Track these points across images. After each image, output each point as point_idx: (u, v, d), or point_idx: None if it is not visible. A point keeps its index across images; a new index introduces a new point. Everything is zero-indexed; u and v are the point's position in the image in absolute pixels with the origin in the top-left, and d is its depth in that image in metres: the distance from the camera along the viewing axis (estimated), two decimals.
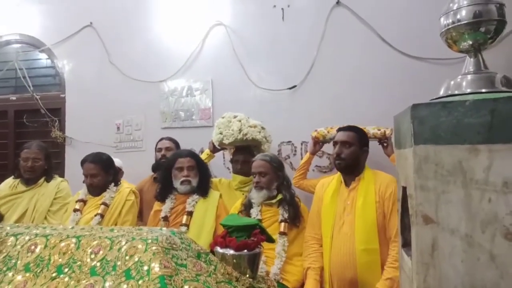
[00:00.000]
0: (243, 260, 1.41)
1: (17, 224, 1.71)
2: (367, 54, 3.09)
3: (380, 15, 3.08)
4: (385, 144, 2.63)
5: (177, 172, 2.50)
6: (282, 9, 3.26)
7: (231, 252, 1.41)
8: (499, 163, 0.96)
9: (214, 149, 2.99)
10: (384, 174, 2.25)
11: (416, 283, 1.03)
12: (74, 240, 1.38)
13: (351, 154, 2.23)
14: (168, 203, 2.48)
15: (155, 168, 3.01)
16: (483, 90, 1.15)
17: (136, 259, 1.23)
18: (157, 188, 2.59)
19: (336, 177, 2.34)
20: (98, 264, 1.28)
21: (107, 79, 3.62)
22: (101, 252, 1.31)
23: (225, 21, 3.40)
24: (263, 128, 2.86)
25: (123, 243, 1.31)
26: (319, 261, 2.23)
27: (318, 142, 2.79)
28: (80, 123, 3.67)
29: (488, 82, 1.17)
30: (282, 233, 2.29)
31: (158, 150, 3.07)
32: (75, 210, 2.63)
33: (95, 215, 2.56)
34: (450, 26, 1.22)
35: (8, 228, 1.54)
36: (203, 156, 2.89)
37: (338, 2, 3.17)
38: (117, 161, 3.01)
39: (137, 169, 3.26)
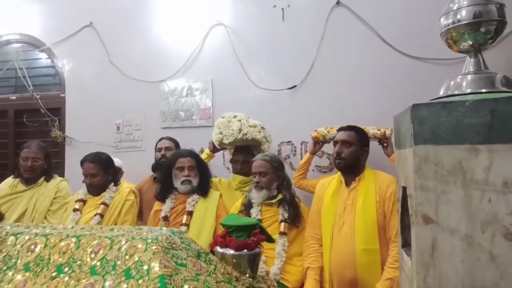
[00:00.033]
0: (243, 260, 1.41)
1: (17, 224, 1.71)
2: (367, 54, 3.09)
3: (380, 15, 3.09)
4: (385, 144, 2.63)
5: (178, 172, 2.50)
6: (282, 9, 3.26)
7: (231, 251, 1.41)
8: (499, 163, 0.96)
9: (214, 149, 2.99)
10: (384, 174, 2.25)
11: (416, 283, 1.03)
12: (74, 239, 1.38)
13: (351, 154, 2.23)
14: (168, 202, 2.48)
15: (155, 168, 3.01)
16: (483, 90, 1.15)
17: (136, 259, 1.23)
18: (157, 188, 2.58)
19: (336, 177, 2.35)
20: (98, 263, 1.28)
21: (107, 79, 3.62)
22: (101, 251, 1.31)
23: (225, 21, 3.40)
24: (263, 128, 2.86)
25: (123, 242, 1.31)
26: (319, 261, 2.23)
27: (318, 142, 2.80)
28: (80, 123, 3.67)
29: (488, 82, 1.17)
30: (282, 233, 2.30)
31: (158, 150, 3.07)
32: (74, 210, 2.62)
33: (95, 215, 2.56)
34: (450, 26, 1.22)
35: (8, 227, 1.54)
36: (203, 156, 2.88)
37: (338, 2, 3.17)
38: (117, 161, 3.01)
39: (137, 169, 3.26)
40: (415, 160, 1.04)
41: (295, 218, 2.35)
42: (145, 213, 2.84)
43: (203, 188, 2.52)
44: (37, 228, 1.52)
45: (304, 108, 3.18)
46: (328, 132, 2.72)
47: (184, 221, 2.40)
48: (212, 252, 1.44)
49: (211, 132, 3.01)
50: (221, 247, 1.44)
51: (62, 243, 1.38)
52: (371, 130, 2.59)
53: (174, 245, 1.30)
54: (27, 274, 1.33)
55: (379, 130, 2.61)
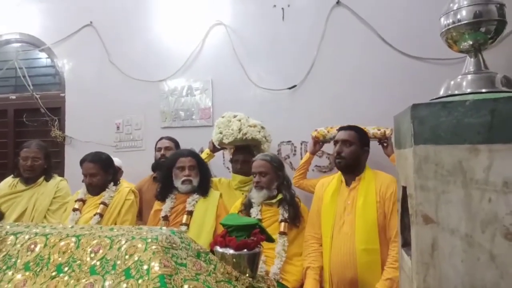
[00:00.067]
0: (242, 260, 1.41)
1: (16, 223, 1.71)
2: (367, 54, 3.09)
3: (380, 15, 3.08)
4: (385, 144, 2.63)
5: (178, 172, 2.50)
6: (282, 8, 3.26)
7: (231, 251, 1.41)
8: (499, 163, 0.96)
9: (214, 149, 2.99)
10: (384, 174, 2.25)
11: (416, 283, 1.03)
12: (73, 239, 1.38)
13: (352, 153, 2.23)
14: (168, 202, 2.48)
15: (154, 168, 3.01)
16: (483, 90, 1.15)
17: (136, 258, 1.23)
18: (157, 188, 2.58)
19: (336, 176, 2.35)
20: (98, 263, 1.28)
21: (107, 79, 3.62)
22: (101, 251, 1.31)
23: (225, 20, 3.40)
24: (262, 127, 2.86)
25: (123, 242, 1.31)
26: (319, 261, 2.23)
27: (318, 142, 2.79)
28: (80, 122, 3.67)
29: (488, 82, 1.17)
30: (282, 233, 2.30)
31: (157, 149, 3.07)
32: (74, 210, 2.62)
33: (94, 215, 2.56)
34: (450, 26, 1.22)
35: (8, 227, 1.54)
36: (203, 156, 2.88)
37: (338, 2, 3.17)
38: (117, 161, 3.01)
39: (136, 169, 3.26)
40: (415, 160, 1.04)
41: (295, 218, 2.35)
42: (144, 212, 2.84)
43: (203, 187, 2.52)
44: (37, 227, 1.52)
45: (304, 108, 3.18)
46: (328, 132, 2.72)
47: (184, 220, 2.40)
48: (212, 251, 1.44)
49: (211, 131, 3.01)
50: (221, 246, 1.44)
51: (62, 243, 1.38)
52: (371, 130, 2.59)
53: (174, 245, 1.30)
54: (27, 273, 1.33)
55: (379, 130, 2.61)
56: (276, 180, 2.41)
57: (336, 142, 2.31)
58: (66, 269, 1.30)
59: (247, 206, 2.40)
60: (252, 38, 3.34)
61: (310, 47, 3.19)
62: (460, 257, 0.99)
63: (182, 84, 3.49)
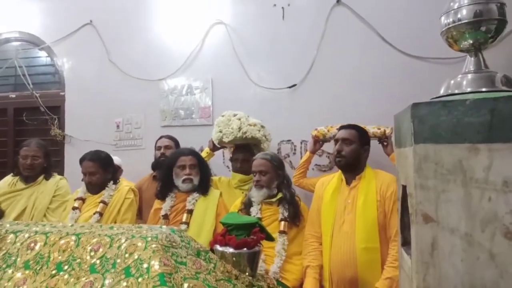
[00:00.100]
0: (242, 258, 1.41)
1: (16, 222, 1.71)
2: (367, 54, 3.08)
3: (380, 14, 3.08)
4: (385, 143, 2.63)
5: (179, 170, 2.50)
6: (282, 8, 3.26)
7: (231, 250, 1.41)
8: (499, 162, 0.96)
9: (214, 148, 2.99)
10: (385, 173, 2.25)
11: (416, 282, 1.03)
12: (73, 237, 1.38)
13: (352, 152, 2.23)
14: (169, 201, 2.48)
15: (154, 167, 3.01)
16: (483, 90, 1.15)
17: (136, 257, 1.22)
18: (157, 186, 2.59)
19: (336, 175, 2.35)
20: (98, 261, 1.28)
21: (107, 77, 3.61)
22: (100, 249, 1.31)
23: (225, 19, 3.40)
24: (262, 126, 2.86)
25: (123, 240, 1.31)
26: (319, 259, 2.23)
27: (318, 141, 2.79)
28: (80, 121, 3.66)
29: (489, 82, 1.17)
30: (282, 232, 2.30)
31: (157, 148, 3.07)
32: (74, 208, 2.62)
33: (94, 213, 2.56)
34: (450, 25, 1.22)
35: (8, 225, 1.54)
36: (203, 155, 2.88)
37: (338, 1, 3.17)
38: (116, 159, 3.01)
39: (136, 168, 3.26)
40: (415, 159, 1.04)
41: (295, 217, 2.35)
42: (144, 211, 2.84)
43: (203, 186, 2.52)
44: (36, 226, 1.52)
45: (304, 107, 3.18)
46: (328, 131, 2.72)
47: (184, 219, 2.40)
48: (212, 250, 1.44)
49: (211, 130, 3.01)
50: (221, 245, 1.44)
51: (62, 241, 1.38)
52: (371, 129, 2.59)
53: (174, 244, 1.30)
54: (27, 272, 1.33)
55: (379, 129, 2.61)
56: (276, 179, 2.41)
57: (336, 141, 2.31)
58: (66, 267, 1.30)
59: (247, 205, 2.40)
60: (252, 37, 3.34)
61: (310, 46, 3.19)
62: (460, 256, 0.99)
63: (182, 83, 3.48)
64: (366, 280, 2.07)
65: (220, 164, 3.24)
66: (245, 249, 1.41)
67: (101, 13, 3.66)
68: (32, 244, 1.40)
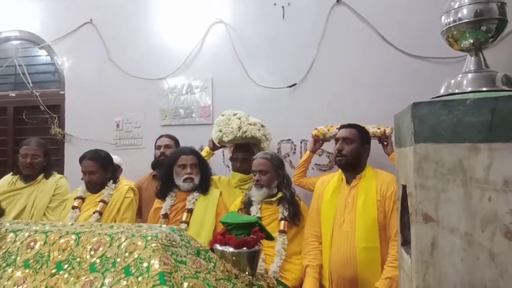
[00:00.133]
0: (242, 258, 1.41)
1: (16, 221, 1.71)
2: (367, 53, 3.08)
3: (380, 14, 3.08)
4: (385, 143, 2.63)
5: (180, 170, 2.50)
6: (283, 7, 3.26)
7: (231, 249, 1.41)
8: (499, 162, 0.96)
9: (213, 147, 2.99)
10: (385, 173, 2.25)
11: (416, 281, 1.03)
12: (73, 236, 1.38)
13: (352, 151, 2.23)
14: (169, 200, 2.48)
15: (154, 166, 3.01)
16: (484, 89, 1.15)
17: (136, 256, 1.22)
18: (157, 185, 2.58)
19: (337, 174, 2.35)
20: (98, 260, 1.28)
21: (107, 76, 3.61)
22: (100, 248, 1.31)
23: (225, 19, 3.39)
24: (262, 126, 2.86)
25: (123, 239, 1.31)
26: (318, 259, 2.23)
27: (318, 140, 2.79)
28: (80, 120, 3.66)
29: (489, 81, 1.17)
30: (282, 231, 2.30)
31: (157, 147, 3.07)
32: (73, 207, 2.62)
33: (94, 213, 2.56)
34: (451, 25, 1.22)
35: (8, 224, 1.54)
36: (203, 154, 2.88)
37: (338, 1, 3.16)
38: (116, 158, 3.01)
39: (136, 167, 3.26)
40: (415, 159, 1.04)
41: (294, 217, 2.35)
42: (144, 211, 2.84)
43: (203, 186, 2.52)
44: (36, 225, 1.52)
45: (304, 106, 3.18)
46: (328, 130, 2.72)
47: (184, 218, 2.40)
48: (212, 249, 1.44)
49: (210, 130, 3.01)
50: (221, 244, 1.44)
51: (62, 240, 1.38)
52: (371, 128, 2.59)
53: (173, 243, 1.29)
54: (27, 271, 1.33)
55: (379, 128, 2.61)
56: (276, 179, 2.41)
57: (337, 140, 2.31)
58: (66, 266, 1.30)
59: (247, 204, 2.40)
60: (252, 36, 3.34)
61: (310, 46, 3.19)
62: (460, 256, 0.99)
63: (182, 82, 3.48)
64: (366, 280, 2.07)
65: (220, 164, 3.24)
66: (245, 248, 1.41)
67: (101, 12, 3.65)
68: (32, 243, 1.40)
